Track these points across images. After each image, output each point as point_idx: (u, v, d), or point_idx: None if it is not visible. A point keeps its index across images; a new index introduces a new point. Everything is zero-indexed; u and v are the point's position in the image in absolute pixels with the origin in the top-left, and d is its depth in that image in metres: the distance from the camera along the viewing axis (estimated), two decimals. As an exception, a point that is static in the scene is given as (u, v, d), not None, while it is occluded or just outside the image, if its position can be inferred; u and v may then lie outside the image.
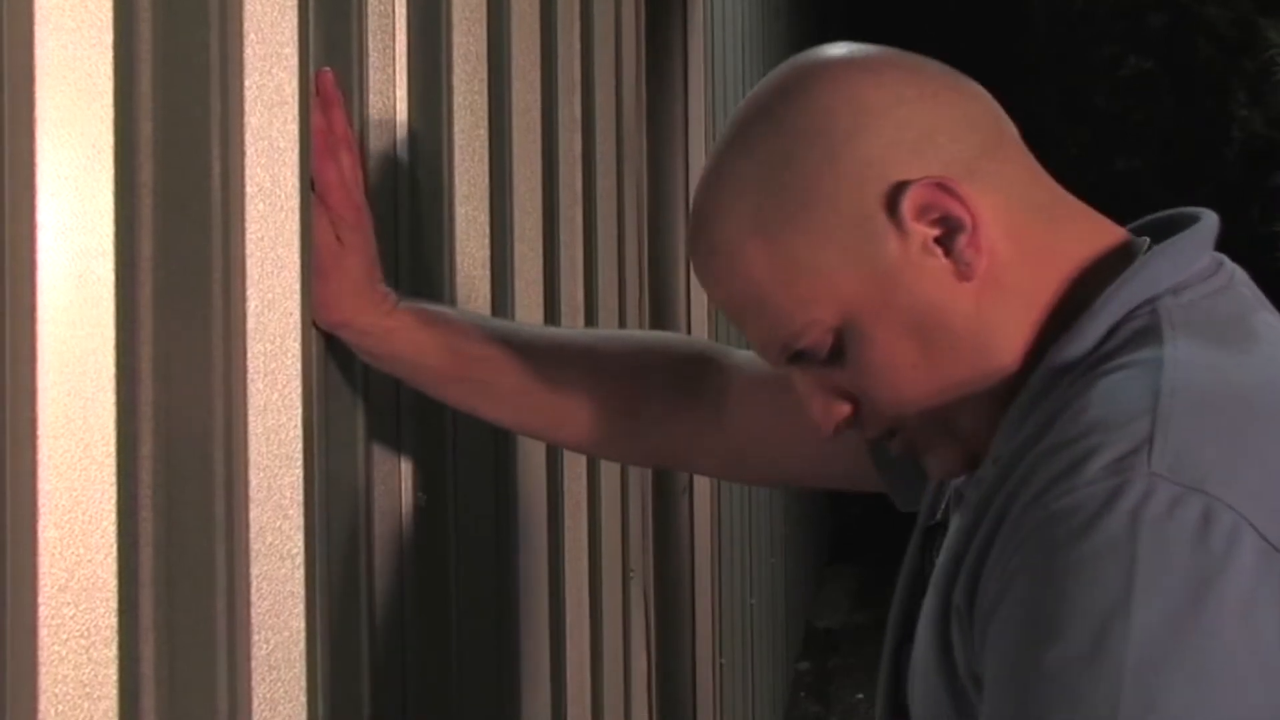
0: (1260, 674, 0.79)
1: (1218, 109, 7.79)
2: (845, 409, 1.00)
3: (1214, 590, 0.78)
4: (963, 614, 0.89)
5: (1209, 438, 0.84)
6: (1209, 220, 0.98)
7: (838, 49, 1.00)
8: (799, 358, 0.99)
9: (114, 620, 0.82)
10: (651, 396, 1.30)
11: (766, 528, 4.82)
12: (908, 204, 0.93)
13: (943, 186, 0.93)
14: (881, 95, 0.95)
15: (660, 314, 3.07)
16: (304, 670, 1.01)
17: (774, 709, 5.18)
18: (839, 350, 0.97)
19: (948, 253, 0.94)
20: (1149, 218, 1.02)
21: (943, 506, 1.07)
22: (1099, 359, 0.91)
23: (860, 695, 5.86)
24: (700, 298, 3.30)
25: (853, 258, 0.94)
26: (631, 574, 2.38)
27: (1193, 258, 0.95)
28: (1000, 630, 0.85)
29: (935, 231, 0.94)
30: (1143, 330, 0.91)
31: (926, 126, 0.95)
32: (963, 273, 0.94)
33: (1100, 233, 0.98)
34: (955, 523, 0.98)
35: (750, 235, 0.97)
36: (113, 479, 0.82)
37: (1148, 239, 0.98)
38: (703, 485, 3.35)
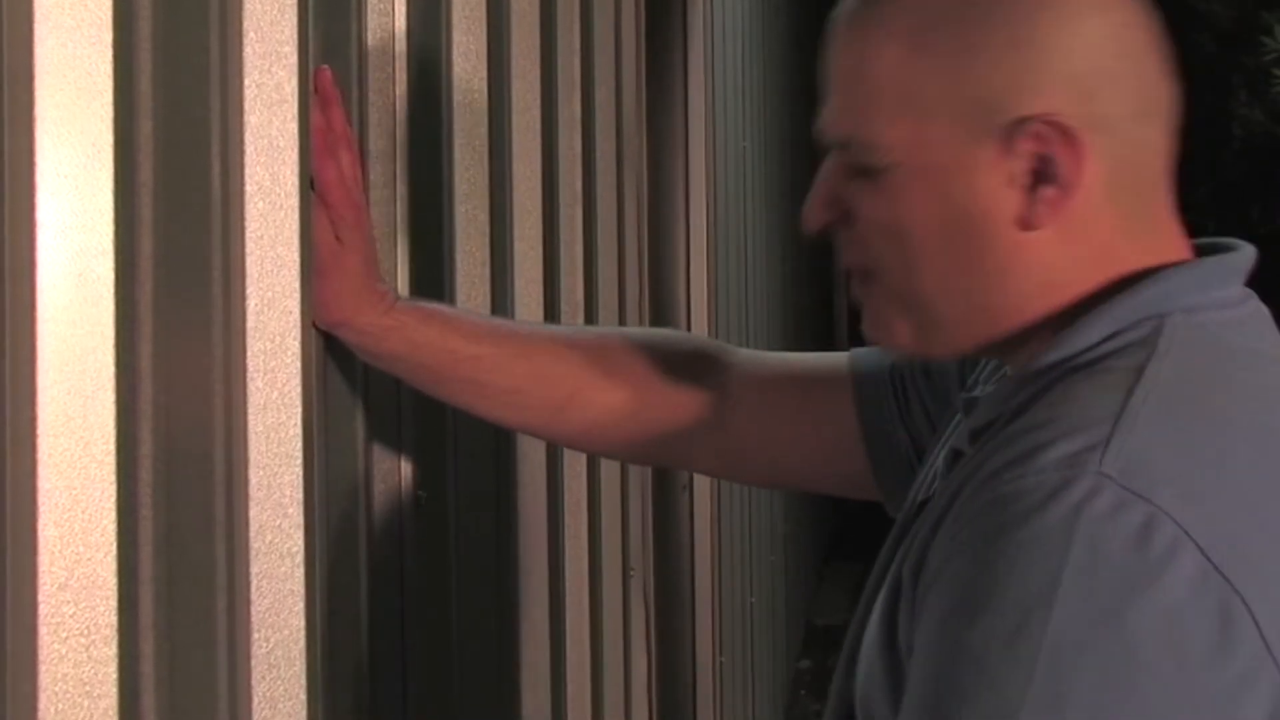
0: (1181, 690, 0.78)
1: (1218, 106, 7.77)
2: (835, 219, 0.99)
3: (1142, 597, 0.78)
4: (907, 585, 0.90)
5: (1168, 450, 0.83)
6: (1245, 252, 0.97)
7: None
8: (844, 149, 0.97)
9: (114, 618, 0.82)
10: (652, 393, 1.30)
11: (767, 526, 4.82)
12: (1031, 132, 0.91)
13: (1072, 140, 0.90)
14: (1094, 12, 0.93)
15: (660, 313, 3.07)
16: (304, 668, 1.01)
17: (774, 707, 5.18)
18: (878, 175, 0.95)
19: (1028, 191, 0.92)
20: (1198, 241, 1.01)
21: (929, 486, 1.07)
22: (1090, 360, 0.91)
23: (860, 694, 5.84)
24: (700, 296, 3.30)
25: (954, 128, 0.93)
26: (631, 572, 2.38)
27: (1217, 283, 0.94)
28: (933, 604, 0.85)
29: (1030, 168, 0.92)
30: (1140, 341, 0.90)
31: (1107, 71, 0.92)
32: (1025, 220, 0.92)
33: (1164, 250, 0.96)
34: (934, 502, 0.98)
35: (895, 37, 0.94)
36: (112, 477, 0.82)
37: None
38: (703, 483, 3.35)
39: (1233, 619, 0.79)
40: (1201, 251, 0.98)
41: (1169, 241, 0.97)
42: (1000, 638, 0.80)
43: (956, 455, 0.99)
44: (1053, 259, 0.93)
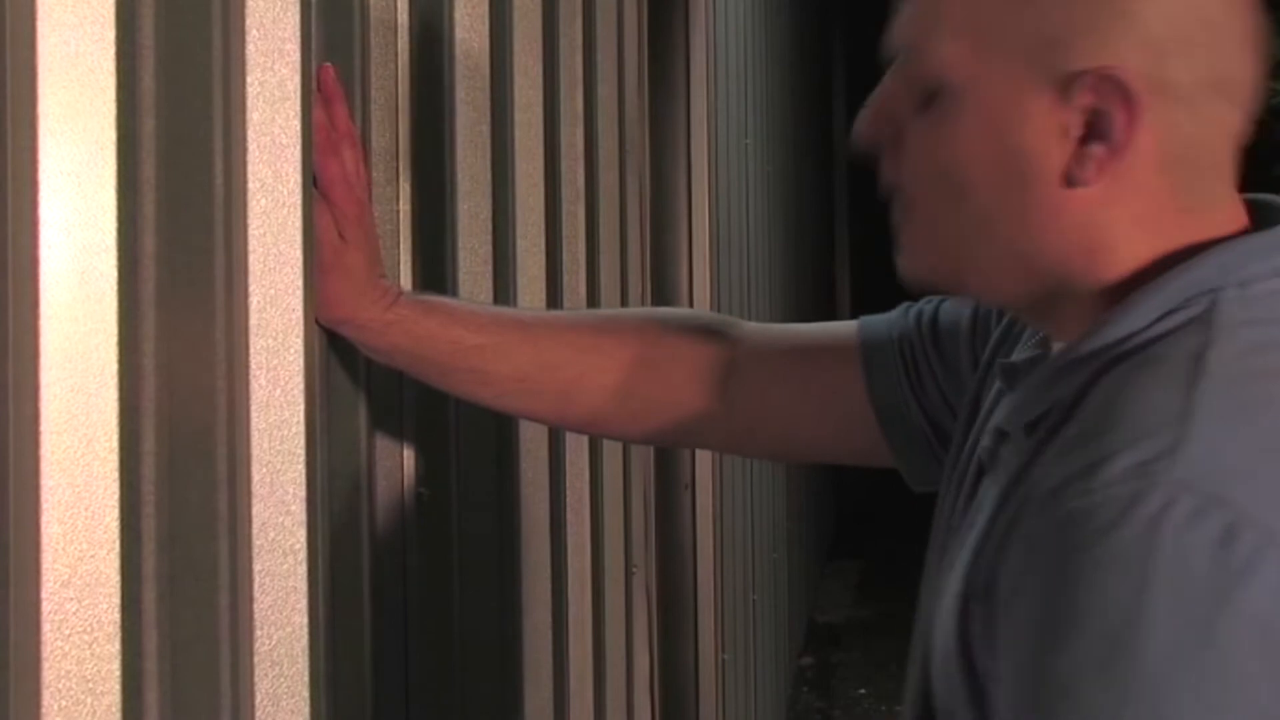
0: (1276, 696, 0.75)
1: None
2: (885, 136, 0.96)
3: (1231, 605, 0.75)
4: (978, 603, 0.87)
5: (1240, 445, 0.80)
6: None
7: None
8: (904, 63, 0.95)
9: (117, 615, 0.82)
10: (658, 370, 1.29)
11: (769, 523, 4.82)
12: (1089, 84, 0.88)
13: (1130, 100, 0.87)
14: None
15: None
16: (306, 665, 1.01)
17: (776, 704, 5.19)
18: (932, 98, 0.93)
19: (1078, 145, 0.89)
20: (1247, 196, 0.96)
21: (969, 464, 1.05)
22: (1142, 344, 0.87)
23: (862, 690, 5.86)
24: (703, 293, 3.30)
25: (1012, 65, 0.90)
26: (634, 570, 2.38)
27: (1272, 251, 0.90)
28: (1013, 632, 0.82)
29: (1085, 121, 0.89)
30: (1195, 320, 0.87)
31: (1184, 37, 0.88)
32: (1071, 174, 0.89)
33: (1221, 228, 0.92)
34: (988, 490, 0.95)
35: None
36: (115, 475, 0.82)
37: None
38: (705, 480, 3.35)
39: None
40: (1256, 213, 0.94)
41: (1227, 221, 0.92)
42: (1091, 664, 0.77)
43: (1002, 435, 0.95)
44: (1096, 219, 0.90)
